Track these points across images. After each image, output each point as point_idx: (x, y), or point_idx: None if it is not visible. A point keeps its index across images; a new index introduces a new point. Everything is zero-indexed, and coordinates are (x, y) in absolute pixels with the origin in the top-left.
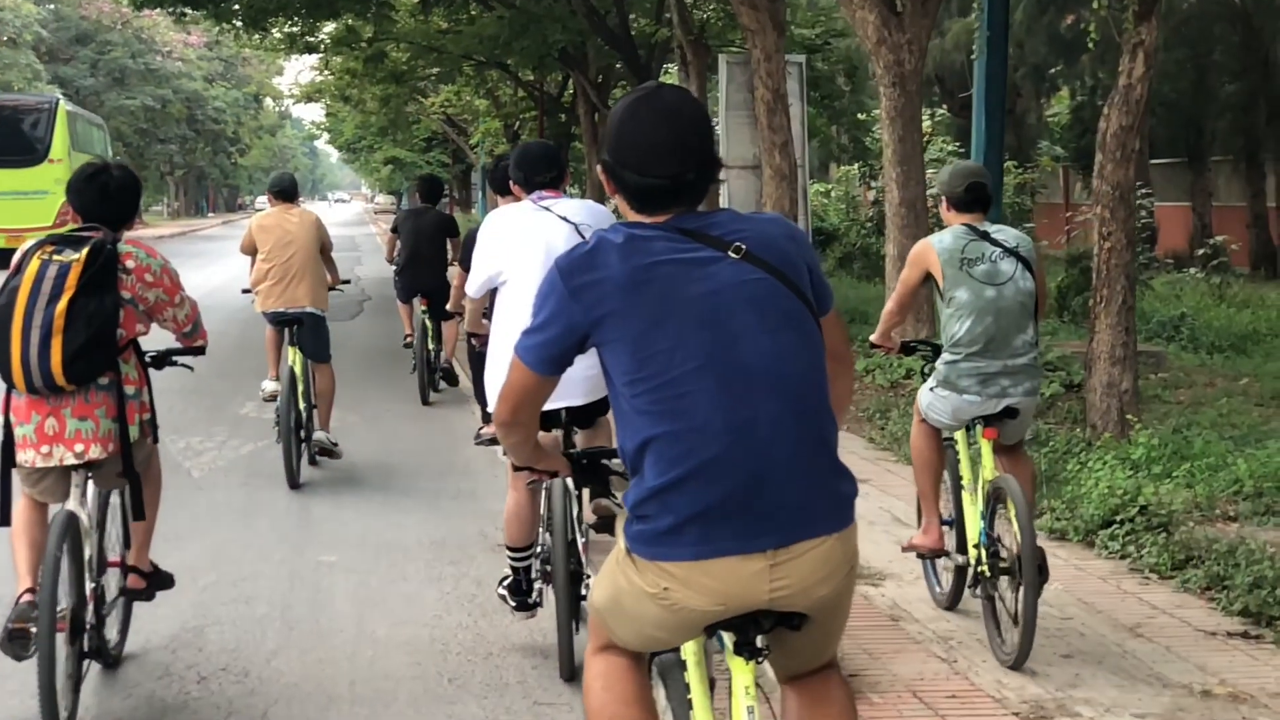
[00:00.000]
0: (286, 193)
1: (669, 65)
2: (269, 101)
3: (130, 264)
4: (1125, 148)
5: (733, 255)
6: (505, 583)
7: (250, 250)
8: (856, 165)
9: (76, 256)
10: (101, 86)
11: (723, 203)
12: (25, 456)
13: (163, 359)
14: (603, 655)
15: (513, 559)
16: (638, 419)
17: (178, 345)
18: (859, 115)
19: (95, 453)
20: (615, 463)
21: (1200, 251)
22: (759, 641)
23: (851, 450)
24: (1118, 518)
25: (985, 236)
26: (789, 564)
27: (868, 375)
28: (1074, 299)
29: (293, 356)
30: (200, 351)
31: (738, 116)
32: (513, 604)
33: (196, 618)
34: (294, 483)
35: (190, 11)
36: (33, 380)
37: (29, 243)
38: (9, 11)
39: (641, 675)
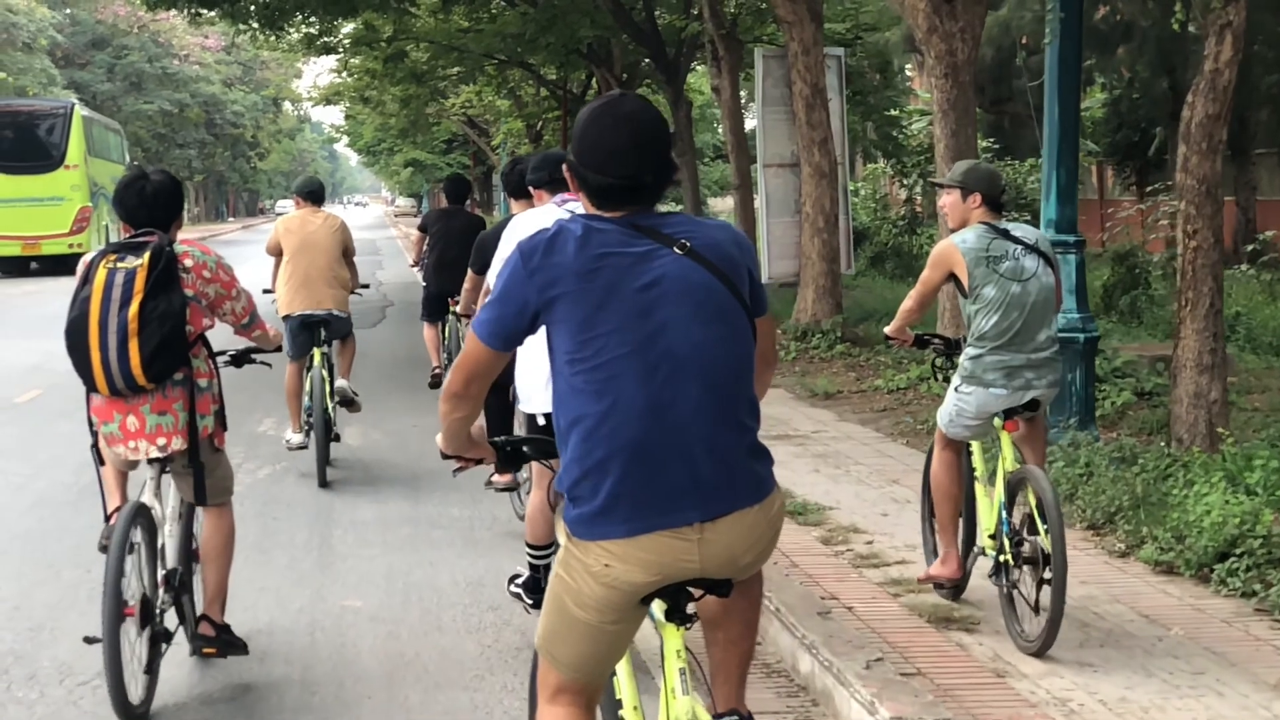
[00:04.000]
0: (314, 195)
1: (697, 64)
2: (288, 105)
3: (189, 262)
4: (1212, 138)
5: (678, 251)
6: (519, 581)
7: (275, 251)
8: (888, 162)
9: (140, 262)
10: (118, 91)
11: (759, 202)
12: (115, 452)
13: (242, 357)
14: (553, 706)
15: (533, 557)
16: (573, 398)
17: (254, 345)
18: (890, 111)
19: (177, 444)
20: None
21: (1250, 247)
22: (689, 609)
23: (915, 468)
24: (1236, 550)
25: (1006, 234)
26: (716, 537)
27: (922, 384)
28: (1120, 298)
29: (318, 358)
30: (278, 349)
31: (774, 113)
32: (529, 601)
33: (204, 680)
34: (323, 481)
35: (205, 12)
36: (115, 382)
37: (90, 254)
38: (23, 16)
39: (591, 713)
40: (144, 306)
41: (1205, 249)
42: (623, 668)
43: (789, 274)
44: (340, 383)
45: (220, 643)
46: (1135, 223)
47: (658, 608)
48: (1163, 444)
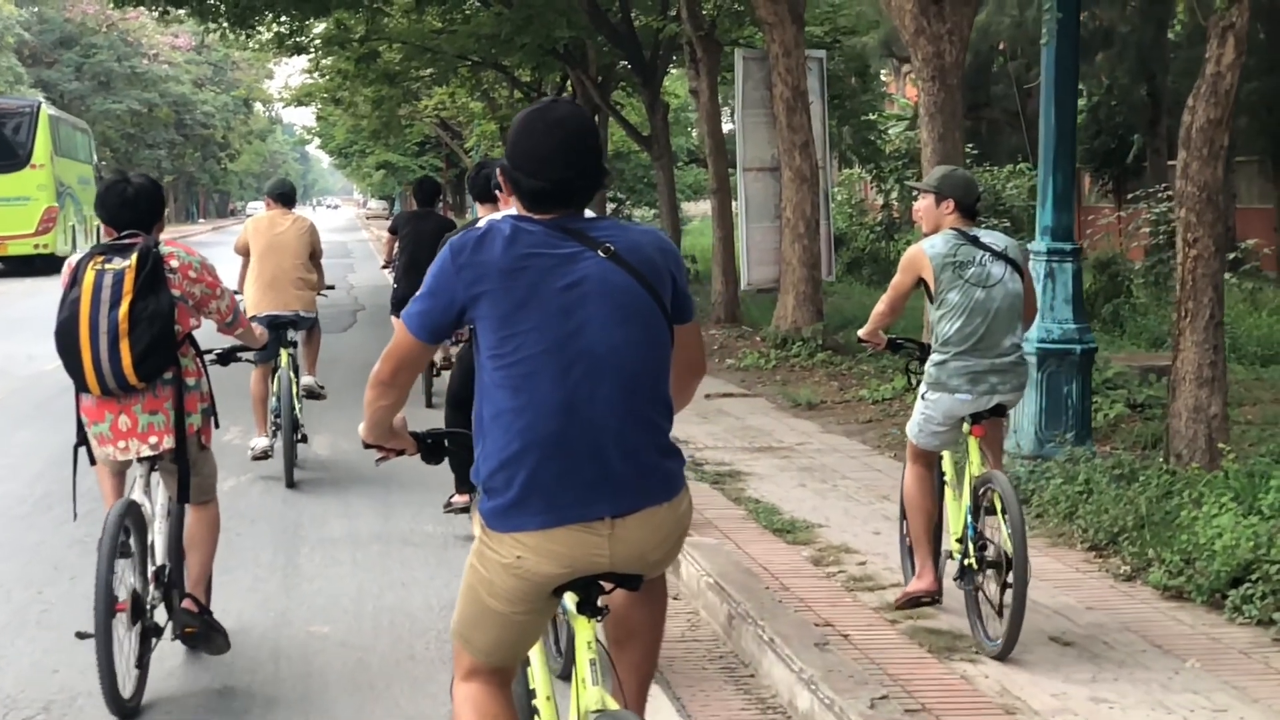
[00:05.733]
0: (284, 197)
1: (673, 68)
2: (259, 106)
3: (175, 263)
4: (1214, 144)
5: (601, 254)
6: None
7: (244, 252)
8: (864, 168)
9: (127, 263)
10: (86, 90)
11: (739, 207)
12: (105, 452)
13: (228, 355)
14: (467, 683)
15: None
16: (495, 392)
17: (239, 343)
18: (869, 116)
19: (168, 443)
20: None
21: (1231, 255)
22: (599, 601)
23: None
24: (1251, 575)
25: (975, 241)
26: (626, 532)
27: (908, 395)
28: (1103, 306)
29: (284, 359)
30: (263, 347)
31: (754, 116)
32: None
33: (159, 715)
34: (290, 481)
35: (173, 9)
36: (106, 382)
37: (75, 257)
38: None
39: (507, 696)
40: (133, 307)
41: (1206, 258)
42: (536, 658)
43: (769, 280)
44: (306, 379)
45: (202, 622)
46: (1114, 230)
47: (570, 600)
48: (1160, 460)
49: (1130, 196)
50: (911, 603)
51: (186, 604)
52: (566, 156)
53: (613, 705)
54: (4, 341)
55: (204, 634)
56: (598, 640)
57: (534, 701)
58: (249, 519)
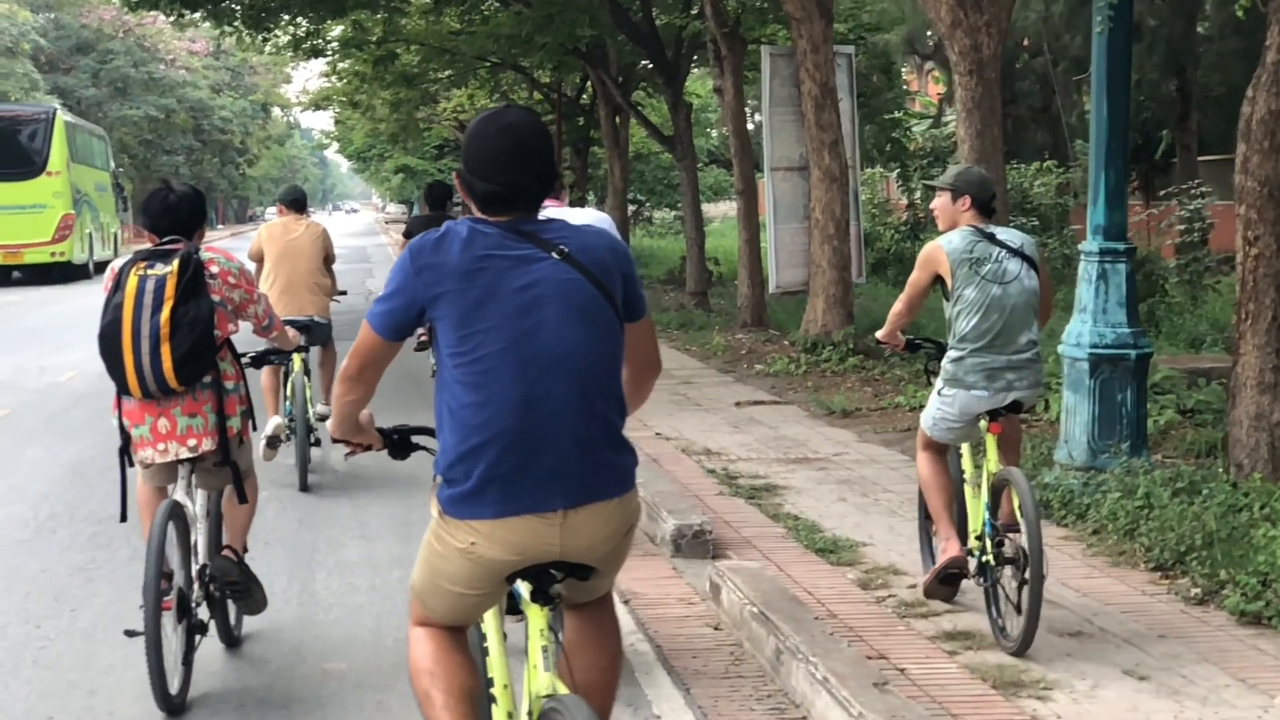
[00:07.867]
0: (296, 203)
1: (695, 67)
2: (277, 111)
3: (215, 269)
4: (1275, 136)
5: (555, 256)
6: None
7: (257, 258)
8: (887, 166)
9: (169, 269)
10: (103, 97)
11: (767, 208)
12: (144, 455)
13: (261, 358)
14: (422, 627)
15: None
16: (455, 387)
17: (272, 346)
18: (895, 114)
19: (207, 445)
20: (425, 439)
21: None
22: (552, 590)
23: None
24: None
25: (991, 238)
26: (577, 523)
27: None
28: (1138, 305)
29: (297, 363)
30: (292, 351)
31: (782, 114)
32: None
33: None
34: (304, 485)
35: (188, 13)
36: (147, 385)
37: (118, 262)
38: (6, 19)
39: (461, 638)
40: (175, 312)
41: (1267, 257)
42: (495, 648)
43: (797, 282)
44: (320, 408)
45: (240, 571)
46: (1145, 228)
47: (523, 588)
48: (1220, 470)
49: (1162, 193)
50: (944, 578)
51: (225, 553)
52: (517, 160)
53: (563, 690)
54: (16, 353)
55: (244, 586)
56: (550, 629)
57: (491, 690)
58: (263, 541)
